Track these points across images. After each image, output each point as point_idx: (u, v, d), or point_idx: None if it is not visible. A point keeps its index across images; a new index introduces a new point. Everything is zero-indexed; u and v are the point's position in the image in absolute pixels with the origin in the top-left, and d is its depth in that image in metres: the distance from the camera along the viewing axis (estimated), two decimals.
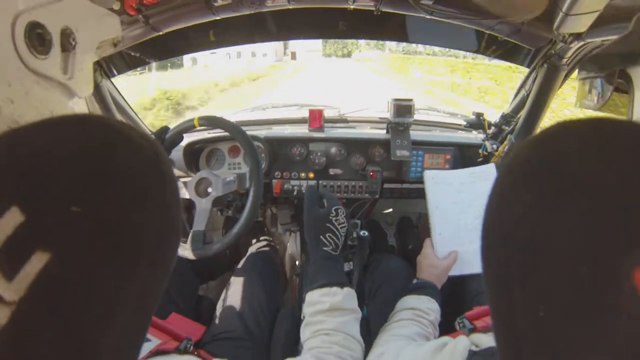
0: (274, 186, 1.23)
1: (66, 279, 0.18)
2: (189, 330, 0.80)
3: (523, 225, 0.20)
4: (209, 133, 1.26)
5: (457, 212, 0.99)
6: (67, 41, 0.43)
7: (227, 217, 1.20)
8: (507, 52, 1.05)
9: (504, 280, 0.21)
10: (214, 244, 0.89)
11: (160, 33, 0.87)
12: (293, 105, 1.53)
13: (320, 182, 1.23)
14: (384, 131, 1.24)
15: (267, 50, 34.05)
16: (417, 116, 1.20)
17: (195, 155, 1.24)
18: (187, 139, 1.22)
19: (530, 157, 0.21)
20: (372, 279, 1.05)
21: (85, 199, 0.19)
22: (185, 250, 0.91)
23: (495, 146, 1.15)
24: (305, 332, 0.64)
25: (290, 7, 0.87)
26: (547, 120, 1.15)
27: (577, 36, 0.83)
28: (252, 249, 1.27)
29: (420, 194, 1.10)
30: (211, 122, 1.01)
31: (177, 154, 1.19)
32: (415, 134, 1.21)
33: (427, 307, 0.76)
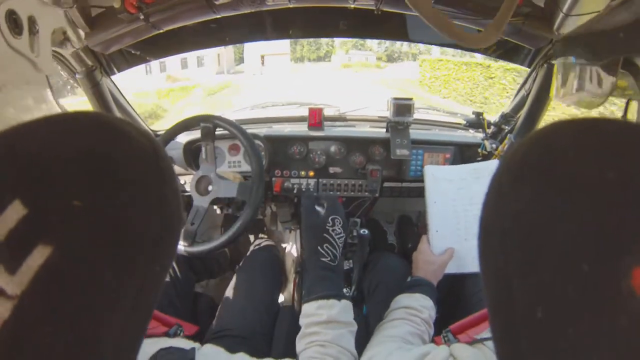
0: (274, 184, 1.23)
1: (68, 273, 0.18)
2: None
3: (521, 221, 0.20)
4: None
5: (456, 209, 0.98)
6: (33, 26, 0.53)
7: (226, 215, 1.20)
8: (507, 52, 1.05)
9: (502, 276, 0.21)
10: (211, 241, 0.90)
11: (161, 31, 0.87)
12: (293, 103, 1.52)
13: (320, 180, 1.23)
14: (384, 130, 1.24)
15: (208, 55, 19.51)
16: (416, 115, 1.20)
17: (194, 153, 1.24)
18: (187, 136, 1.23)
19: (529, 153, 0.21)
20: (371, 277, 1.05)
21: (87, 193, 0.19)
22: (187, 247, 0.91)
23: (494, 145, 1.15)
24: (300, 343, 0.64)
25: (291, 5, 0.86)
26: (547, 119, 1.16)
27: None
28: (253, 247, 1.27)
29: (420, 193, 1.10)
30: (212, 120, 1.01)
31: (176, 151, 1.19)
32: (415, 132, 1.22)
33: (421, 304, 0.76)
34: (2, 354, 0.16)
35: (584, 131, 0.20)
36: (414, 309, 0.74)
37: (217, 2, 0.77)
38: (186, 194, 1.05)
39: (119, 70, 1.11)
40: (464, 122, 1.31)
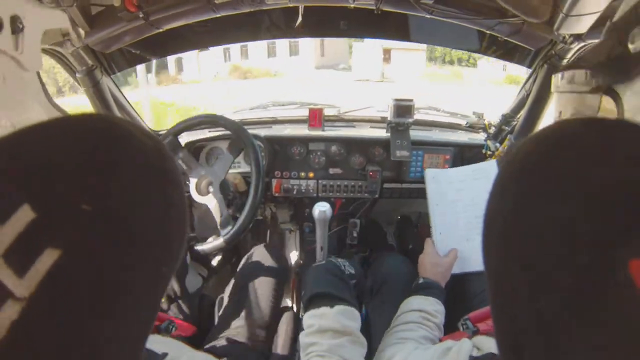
0: (274, 185, 1.23)
1: (76, 276, 0.18)
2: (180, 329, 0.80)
3: (523, 219, 0.20)
4: (210, 131, 1.26)
5: (458, 210, 0.99)
6: (16, 25, 0.54)
7: (226, 217, 1.21)
8: (507, 52, 1.05)
9: (504, 271, 0.22)
10: (212, 241, 0.90)
11: (161, 30, 0.87)
12: (293, 103, 1.53)
13: (319, 181, 1.23)
14: (384, 131, 1.24)
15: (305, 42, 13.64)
16: (417, 116, 1.20)
17: (195, 154, 1.25)
18: (188, 137, 1.23)
19: (532, 151, 0.22)
20: (373, 277, 1.04)
21: (95, 197, 0.19)
22: (192, 246, 0.92)
23: (497, 145, 1.15)
24: (302, 354, 0.62)
25: (291, 5, 0.87)
26: (547, 120, 1.15)
27: (578, 37, 0.83)
28: (253, 248, 1.27)
29: (420, 194, 1.10)
30: (212, 120, 1.01)
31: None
32: (415, 133, 1.21)
33: (435, 309, 0.75)
34: (11, 355, 0.17)
35: (586, 130, 0.20)
36: (428, 313, 0.74)
37: (217, 2, 0.77)
38: (186, 194, 1.06)
39: (119, 70, 1.12)
40: (465, 123, 1.31)
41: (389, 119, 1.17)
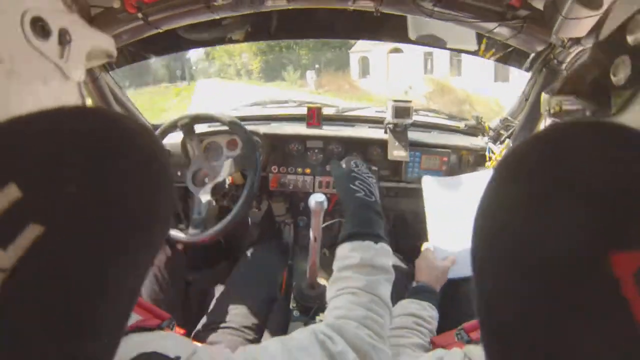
0: (270, 180, 1.25)
1: (58, 252, 0.19)
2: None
3: (515, 220, 0.21)
4: (209, 126, 1.27)
5: (455, 218, 0.99)
6: (64, 37, 0.56)
7: (221, 207, 1.24)
8: (506, 55, 1.05)
9: (491, 270, 0.22)
10: (208, 229, 0.94)
11: (160, 30, 0.87)
12: (292, 101, 1.53)
13: (316, 177, 1.24)
14: (382, 130, 1.24)
15: None
16: (415, 118, 1.20)
17: None
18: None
19: (528, 153, 0.22)
20: None
21: (82, 180, 0.20)
22: (180, 234, 0.95)
23: (499, 149, 1.14)
24: (331, 290, 0.57)
25: (290, 7, 0.86)
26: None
27: (576, 41, 0.82)
28: (248, 240, 1.29)
29: (416, 194, 1.11)
30: (211, 117, 1.03)
31: (175, 146, 1.20)
32: (413, 134, 1.22)
33: (429, 315, 0.75)
34: None
35: (583, 134, 0.20)
36: (422, 319, 0.73)
37: (215, 3, 0.77)
38: (182, 184, 1.09)
39: (118, 67, 1.12)
40: (463, 126, 1.31)
41: (387, 119, 1.18)
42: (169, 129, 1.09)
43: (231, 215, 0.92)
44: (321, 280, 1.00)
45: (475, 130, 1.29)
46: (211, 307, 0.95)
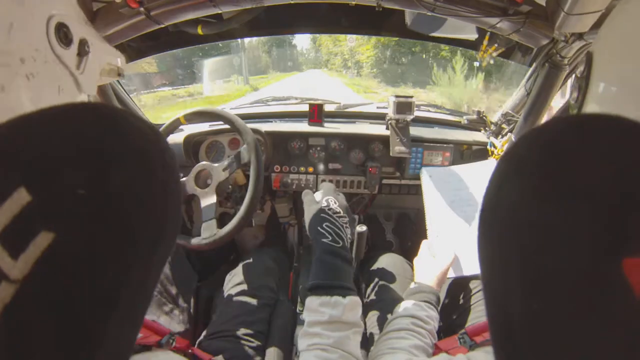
0: (273, 180, 1.24)
1: (70, 259, 0.18)
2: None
3: (519, 214, 0.20)
4: (210, 125, 1.27)
5: (455, 211, 0.97)
6: (83, 48, 0.59)
7: (226, 209, 1.23)
8: (508, 50, 1.05)
9: (498, 268, 0.22)
10: (212, 235, 0.90)
11: (162, 26, 0.87)
12: (293, 99, 1.52)
13: (319, 176, 1.24)
14: (384, 127, 1.24)
15: None
16: (417, 113, 1.20)
17: (195, 148, 1.25)
18: (187, 131, 1.23)
19: (531, 148, 0.22)
20: (369, 277, 1.04)
21: (90, 181, 0.19)
22: (186, 240, 0.92)
23: (501, 142, 1.14)
24: (302, 342, 0.59)
25: (292, 1, 0.86)
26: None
27: (579, 36, 0.82)
28: (251, 243, 1.28)
29: (419, 191, 1.11)
30: (213, 114, 1.02)
31: (176, 146, 1.20)
32: (415, 130, 1.22)
33: (427, 315, 0.73)
34: (3, 336, 0.17)
35: (584, 128, 0.20)
36: (420, 320, 0.72)
37: None
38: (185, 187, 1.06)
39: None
40: (465, 121, 1.31)
41: (389, 115, 1.18)
42: (171, 128, 1.07)
43: (237, 220, 0.88)
44: None
45: (476, 124, 1.29)
46: (215, 314, 0.93)
